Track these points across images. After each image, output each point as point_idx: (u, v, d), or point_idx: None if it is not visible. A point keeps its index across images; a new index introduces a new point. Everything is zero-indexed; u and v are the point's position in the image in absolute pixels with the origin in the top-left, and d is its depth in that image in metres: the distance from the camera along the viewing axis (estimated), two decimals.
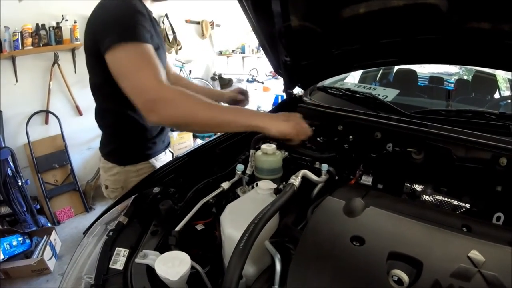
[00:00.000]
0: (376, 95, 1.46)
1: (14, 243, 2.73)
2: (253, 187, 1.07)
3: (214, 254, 0.92)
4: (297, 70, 1.58)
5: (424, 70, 3.37)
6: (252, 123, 1.05)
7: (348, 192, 0.94)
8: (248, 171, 1.18)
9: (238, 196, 1.09)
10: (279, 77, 1.71)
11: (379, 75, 2.85)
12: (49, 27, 3.23)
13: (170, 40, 4.49)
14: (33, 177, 3.31)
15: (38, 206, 3.28)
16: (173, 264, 0.71)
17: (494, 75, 2.65)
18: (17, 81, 3.14)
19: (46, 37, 3.21)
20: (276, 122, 1.07)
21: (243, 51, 6.03)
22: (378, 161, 1.20)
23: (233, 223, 0.82)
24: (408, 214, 0.81)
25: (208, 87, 1.80)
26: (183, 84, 1.73)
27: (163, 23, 4.17)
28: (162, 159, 1.50)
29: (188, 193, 1.10)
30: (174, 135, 4.44)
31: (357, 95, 1.50)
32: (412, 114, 1.26)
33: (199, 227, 1.00)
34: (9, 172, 2.94)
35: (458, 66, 3.49)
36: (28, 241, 2.84)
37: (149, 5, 1.30)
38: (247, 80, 5.69)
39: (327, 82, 1.86)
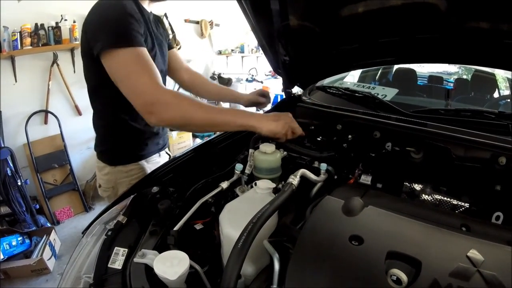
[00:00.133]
0: (375, 95, 1.46)
1: (14, 243, 2.73)
2: (252, 187, 1.07)
3: (213, 253, 0.92)
4: (296, 70, 1.58)
5: (423, 69, 3.37)
6: (245, 123, 1.10)
7: (347, 192, 0.94)
8: (247, 171, 1.18)
9: (237, 196, 1.09)
10: (279, 76, 1.71)
11: (378, 74, 2.85)
12: (48, 27, 3.22)
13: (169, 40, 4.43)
14: (33, 177, 3.31)
15: (37, 206, 3.28)
16: (172, 264, 0.71)
17: (493, 75, 2.65)
18: (16, 81, 3.13)
19: (45, 37, 3.20)
20: (267, 121, 1.12)
21: (242, 51, 6.02)
22: (377, 160, 1.20)
23: (232, 223, 0.82)
24: (407, 214, 0.81)
25: (227, 87, 1.75)
26: (200, 83, 1.74)
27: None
28: (155, 161, 1.50)
29: (187, 192, 1.10)
30: (174, 135, 4.44)
31: (356, 94, 1.50)
32: (411, 113, 1.26)
33: (198, 226, 1.00)
34: (9, 172, 2.93)
35: (457, 66, 3.50)
36: (27, 241, 2.83)
37: (147, 5, 1.30)
38: (247, 80, 5.68)
39: (326, 81, 1.86)
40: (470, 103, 2.25)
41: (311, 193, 1.09)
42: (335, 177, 1.17)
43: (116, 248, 0.86)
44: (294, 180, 0.90)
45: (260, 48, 1.60)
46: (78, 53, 3.39)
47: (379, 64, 1.86)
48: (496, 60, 1.29)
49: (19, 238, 2.78)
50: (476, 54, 1.29)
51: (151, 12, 1.36)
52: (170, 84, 1.56)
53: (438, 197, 1.05)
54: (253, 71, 5.95)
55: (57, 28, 3.26)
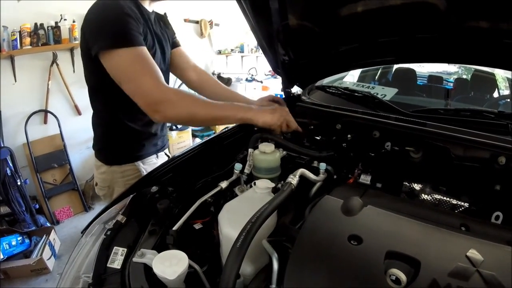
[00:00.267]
0: (375, 94, 1.46)
1: (13, 243, 2.73)
2: (251, 186, 1.07)
3: (212, 253, 0.92)
4: (295, 69, 1.57)
5: (423, 69, 3.37)
6: (244, 116, 1.18)
7: (346, 191, 0.94)
8: (246, 170, 1.18)
9: (236, 195, 1.09)
10: (278, 76, 1.71)
11: (378, 74, 2.85)
12: (48, 27, 3.22)
13: None
14: (32, 177, 3.31)
15: (37, 206, 3.28)
16: (171, 263, 0.71)
17: (493, 74, 2.65)
18: (15, 81, 3.13)
19: (44, 37, 3.20)
20: (263, 114, 1.19)
21: (242, 50, 6.02)
22: (377, 160, 1.20)
23: (231, 222, 0.81)
24: (407, 213, 0.81)
25: (238, 93, 1.67)
26: (209, 85, 1.66)
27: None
28: (152, 162, 1.49)
29: (186, 192, 1.10)
30: (173, 135, 4.44)
31: (356, 94, 1.50)
32: (410, 113, 1.26)
33: (197, 226, 1.00)
34: (8, 171, 2.93)
35: (457, 65, 3.50)
36: (27, 240, 2.83)
37: (147, 5, 1.30)
38: (246, 79, 5.68)
39: (326, 81, 1.86)
40: (469, 103, 2.25)
41: (310, 193, 1.08)
42: (335, 176, 1.17)
43: (115, 247, 0.86)
44: (293, 179, 0.90)
45: (260, 48, 1.59)
46: (77, 53, 3.38)
47: (378, 63, 1.85)
48: (495, 59, 1.29)
49: (19, 238, 2.78)
50: (476, 53, 1.29)
51: (153, 11, 1.36)
52: (171, 80, 1.55)
53: (437, 196, 1.05)
54: (252, 71, 5.96)
55: (56, 27, 3.26)
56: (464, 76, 3.55)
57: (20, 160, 3.20)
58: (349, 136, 1.28)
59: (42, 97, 3.37)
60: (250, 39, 5.86)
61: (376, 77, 2.82)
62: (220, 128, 1.85)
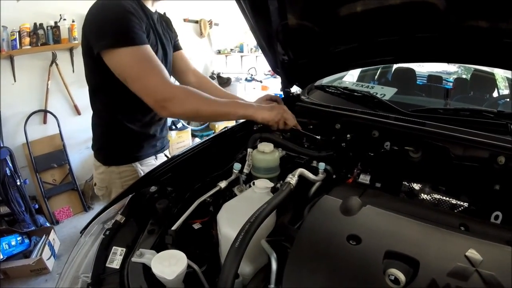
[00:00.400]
0: (374, 94, 1.46)
1: (13, 243, 2.72)
2: (250, 186, 1.07)
3: (211, 253, 0.92)
4: (294, 69, 1.58)
5: (422, 69, 3.37)
6: (245, 113, 1.24)
7: (345, 191, 0.94)
8: (245, 170, 1.18)
9: (235, 195, 1.09)
10: (278, 76, 1.71)
11: (377, 73, 2.84)
12: (47, 27, 3.21)
13: None
14: (32, 177, 3.30)
15: (36, 206, 3.27)
16: (170, 263, 0.71)
17: (492, 74, 2.65)
18: (15, 81, 3.12)
19: (44, 37, 3.19)
20: (262, 111, 1.24)
21: (241, 50, 6.02)
22: (376, 159, 1.20)
23: (230, 222, 0.81)
24: (406, 213, 0.81)
25: (234, 95, 1.67)
26: (207, 88, 1.64)
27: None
28: (150, 163, 1.48)
29: (185, 192, 1.10)
30: (173, 135, 4.45)
31: (355, 93, 1.50)
32: (410, 112, 1.25)
33: (196, 226, 1.00)
34: (8, 171, 2.93)
35: (456, 65, 3.50)
36: (26, 240, 2.83)
37: (150, 5, 1.30)
38: (246, 79, 5.68)
39: (325, 80, 1.86)
40: (469, 103, 2.24)
41: (309, 193, 1.08)
42: (334, 176, 1.17)
43: (114, 247, 0.86)
44: (292, 179, 0.90)
45: (259, 48, 1.59)
46: (77, 53, 3.41)
47: (378, 63, 1.85)
48: (495, 59, 1.29)
49: (18, 238, 2.78)
50: (475, 53, 1.29)
51: (155, 11, 1.36)
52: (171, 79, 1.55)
53: (437, 196, 1.05)
54: (252, 71, 5.95)
55: (56, 27, 3.25)
56: (464, 76, 3.55)
57: (19, 160, 3.19)
58: (348, 135, 1.28)
59: (42, 97, 3.36)
60: (249, 39, 5.86)
61: (376, 77, 2.81)
62: (219, 128, 1.85)
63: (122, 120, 1.33)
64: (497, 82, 2.64)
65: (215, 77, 5.41)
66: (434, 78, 3.21)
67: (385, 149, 1.20)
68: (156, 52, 1.30)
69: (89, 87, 1.34)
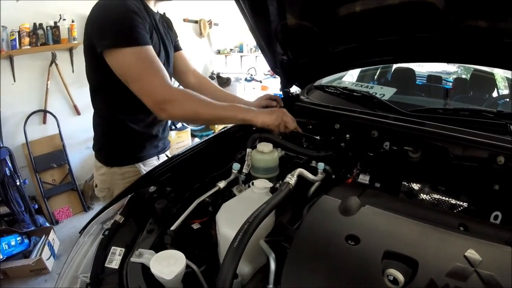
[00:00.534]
0: (373, 94, 1.46)
1: (13, 243, 2.72)
2: (249, 186, 1.06)
3: (210, 253, 0.92)
4: (294, 69, 1.57)
5: (422, 69, 3.37)
6: (244, 117, 1.22)
7: (344, 191, 0.94)
8: (244, 170, 1.18)
9: (234, 195, 1.09)
10: (277, 76, 1.70)
11: (377, 73, 2.85)
12: (47, 27, 3.21)
13: None
14: (31, 177, 3.30)
15: (36, 206, 3.27)
16: (168, 263, 0.71)
17: (492, 74, 2.65)
18: (14, 81, 3.12)
19: (43, 37, 3.19)
20: (262, 115, 1.23)
21: (241, 50, 6.02)
22: (375, 159, 1.20)
23: (229, 222, 0.81)
24: (405, 213, 0.81)
25: (234, 94, 1.67)
26: (207, 88, 1.66)
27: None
28: (152, 164, 1.47)
29: (184, 192, 1.10)
30: (173, 135, 4.44)
31: (354, 93, 1.50)
32: (409, 112, 1.25)
33: (195, 226, 1.00)
34: (7, 172, 2.92)
35: (456, 65, 3.50)
36: (26, 241, 2.83)
37: (153, 5, 1.30)
38: (245, 79, 5.68)
39: (325, 80, 1.86)
40: (469, 103, 2.25)
41: (308, 193, 1.08)
42: (333, 176, 1.17)
43: (113, 247, 0.86)
44: (291, 179, 0.90)
45: (258, 48, 1.59)
46: (76, 53, 3.41)
47: (377, 63, 1.85)
48: (495, 59, 1.29)
49: (18, 238, 2.78)
50: (475, 53, 1.28)
51: (157, 12, 1.35)
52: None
53: (436, 196, 1.05)
54: (252, 71, 5.95)
55: (55, 27, 3.25)
56: (463, 76, 3.55)
57: (19, 160, 3.19)
58: (347, 135, 1.28)
59: (41, 97, 3.36)
60: (249, 39, 5.85)
61: (375, 77, 2.82)
62: (219, 129, 1.85)
63: (125, 120, 1.32)
64: (497, 82, 2.64)
65: (215, 77, 5.41)
66: (433, 78, 3.21)
67: (385, 149, 1.20)
68: (159, 53, 1.30)
69: (90, 86, 1.33)
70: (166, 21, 1.48)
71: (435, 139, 1.11)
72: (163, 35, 1.37)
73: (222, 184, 1.08)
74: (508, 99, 2.34)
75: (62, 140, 3.47)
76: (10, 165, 2.98)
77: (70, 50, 3.45)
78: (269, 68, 1.77)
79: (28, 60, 3.19)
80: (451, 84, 3.05)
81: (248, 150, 1.20)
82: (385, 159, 1.19)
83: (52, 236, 2.93)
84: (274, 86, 5.72)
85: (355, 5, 1.20)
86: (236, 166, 1.16)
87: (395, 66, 2.72)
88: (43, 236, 2.88)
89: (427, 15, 1.15)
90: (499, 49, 1.18)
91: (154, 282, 0.72)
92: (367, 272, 0.63)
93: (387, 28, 1.29)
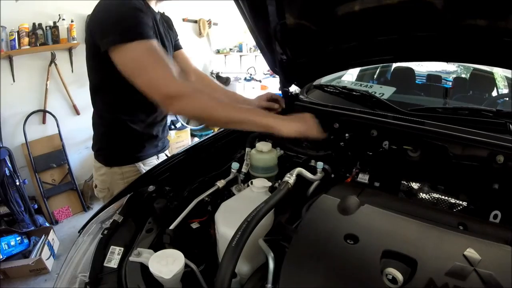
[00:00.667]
0: (373, 93, 1.46)
1: (12, 243, 2.72)
2: (248, 185, 1.06)
3: (209, 252, 0.92)
4: (293, 68, 1.57)
5: (422, 68, 3.36)
6: (264, 122, 1.08)
7: (343, 190, 0.94)
8: (243, 169, 1.18)
9: (233, 195, 1.09)
10: (276, 75, 1.70)
11: (376, 73, 2.84)
12: (46, 27, 3.20)
13: None
14: (31, 177, 3.30)
15: (36, 206, 3.27)
16: (167, 262, 0.71)
17: (492, 73, 2.64)
18: (14, 81, 3.12)
19: (43, 37, 3.19)
20: (287, 122, 1.10)
21: (240, 50, 6.01)
22: (375, 159, 1.20)
23: (227, 221, 0.81)
24: (404, 212, 0.80)
25: (235, 92, 1.64)
26: (208, 86, 1.65)
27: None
28: (152, 163, 1.46)
29: (183, 191, 1.10)
30: (172, 134, 4.44)
31: (354, 93, 1.49)
32: (408, 111, 1.25)
33: (194, 225, 1.00)
34: (7, 172, 2.92)
35: (456, 64, 3.49)
36: (26, 240, 2.83)
37: (154, 5, 1.30)
38: (245, 79, 5.67)
39: (324, 80, 1.85)
40: (468, 102, 2.24)
41: (308, 192, 1.08)
42: (332, 175, 1.17)
43: (112, 247, 0.86)
44: (290, 179, 0.90)
45: (258, 47, 1.59)
46: (76, 53, 3.41)
47: (377, 62, 1.85)
48: (494, 58, 1.29)
49: (18, 238, 2.78)
50: (474, 52, 1.28)
51: (158, 12, 1.35)
52: None
53: (435, 195, 1.05)
54: (251, 70, 5.95)
55: (55, 27, 3.24)
56: (463, 75, 3.54)
57: (18, 160, 3.18)
58: (347, 135, 1.28)
59: (41, 97, 3.36)
60: (248, 39, 5.85)
61: (375, 76, 2.81)
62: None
63: (125, 120, 1.32)
64: (496, 81, 2.63)
65: (214, 76, 5.40)
66: (433, 77, 3.20)
67: (384, 148, 1.20)
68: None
69: (91, 86, 1.32)
70: (166, 21, 1.48)
71: (434, 138, 1.11)
72: (162, 35, 1.36)
73: (221, 184, 1.08)
74: (507, 98, 2.34)
75: (61, 140, 3.46)
76: (9, 165, 2.98)
77: (70, 50, 3.44)
78: (268, 68, 1.77)
79: (28, 60, 3.19)
80: (450, 83, 3.05)
81: (247, 149, 1.20)
82: (385, 158, 1.19)
83: (51, 236, 2.93)
84: (273, 85, 5.72)
85: (354, 4, 1.20)
86: (235, 165, 1.16)
87: (394, 65, 2.71)
88: (43, 236, 2.88)
89: (426, 14, 1.15)
90: (499, 48, 1.18)
91: (153, 281, 0.72)
92: (366, 271, 0.63)
93: (387, 27, 1.29)
